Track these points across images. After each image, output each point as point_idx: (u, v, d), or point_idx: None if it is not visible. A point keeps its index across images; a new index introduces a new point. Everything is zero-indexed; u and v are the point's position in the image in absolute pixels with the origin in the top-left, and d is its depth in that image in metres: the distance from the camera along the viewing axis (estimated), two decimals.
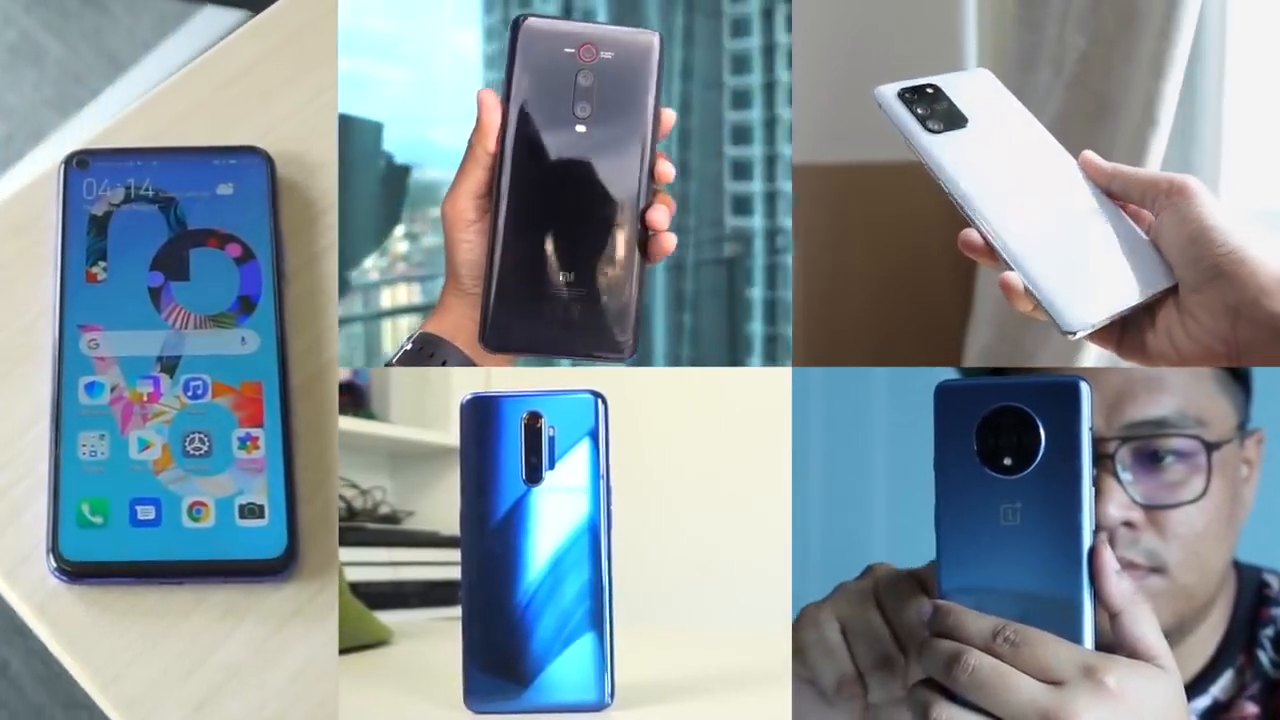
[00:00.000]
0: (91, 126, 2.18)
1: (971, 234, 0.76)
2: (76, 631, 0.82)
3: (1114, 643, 0.64)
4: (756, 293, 2.55)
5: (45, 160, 1.85)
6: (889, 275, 1.92)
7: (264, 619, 0.84)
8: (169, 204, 0.92)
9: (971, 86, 0.81)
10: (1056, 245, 0.76)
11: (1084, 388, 0.65)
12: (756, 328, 2.57)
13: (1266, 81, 1.73)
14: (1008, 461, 0.66)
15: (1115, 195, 0.79)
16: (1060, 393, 0.65)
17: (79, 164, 0.93)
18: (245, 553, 0.83)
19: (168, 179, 0.93)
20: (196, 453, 0.85)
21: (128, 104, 2.26)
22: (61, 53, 2.39)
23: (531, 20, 0.83)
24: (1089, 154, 0.79)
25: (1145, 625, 0.64)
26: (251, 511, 0.84)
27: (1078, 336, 0.74)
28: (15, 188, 0.95)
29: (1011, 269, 0.75)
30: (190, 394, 0.87)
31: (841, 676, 0.70)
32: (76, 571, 0.82)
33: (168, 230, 0.91)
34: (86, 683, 0.82)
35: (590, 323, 0.82)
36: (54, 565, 0.82)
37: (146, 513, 0.83)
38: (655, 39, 0.83)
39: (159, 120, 0.99)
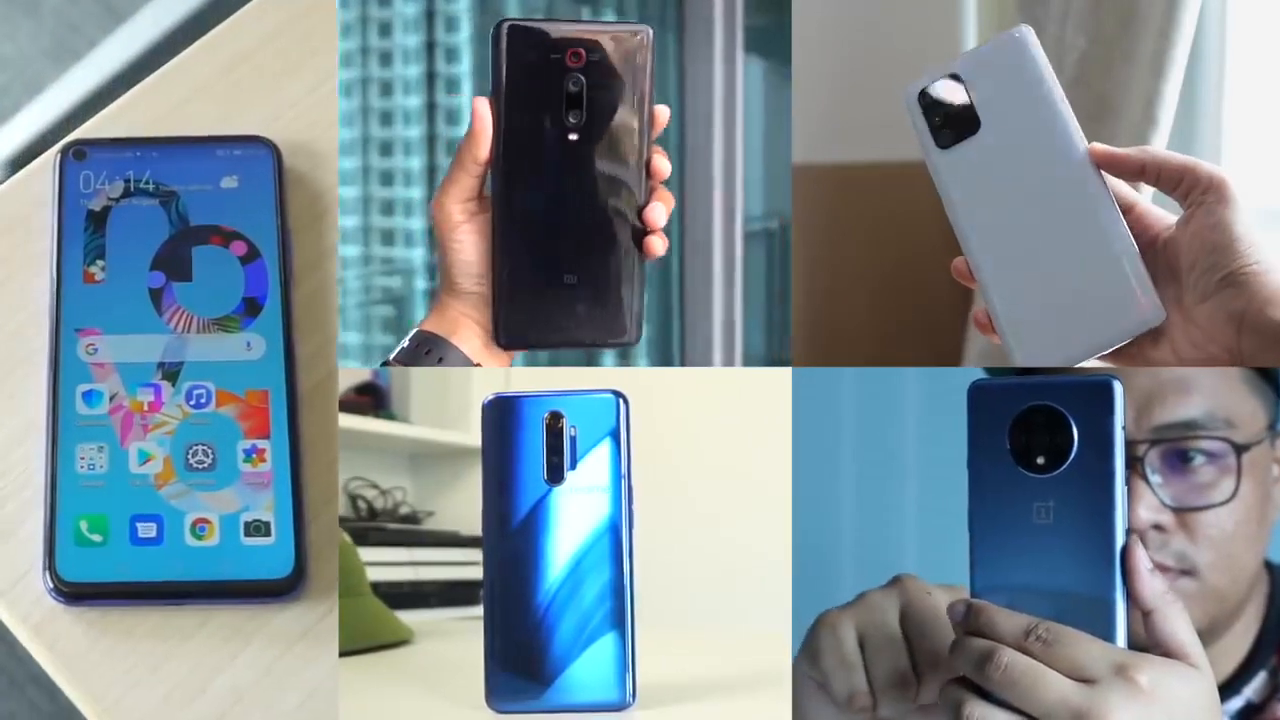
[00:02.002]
0: (89, 78, 2.15)
1: (962, 263, 0.76)
2: (75, 655, 0.77)
3: (1147, 641, 0.63)
4: None
5: (42, 114, 1.77)
6: (889, 275, 1.92)
7: (271, 641, 0.78)
8: (170, 198, 0.85)
9: (999, 66, 0.76)
10: (1037, 284, 0.74)
11: (1117, 386, 0.64)
12: None
13: (1266, 81, 1.75)
14: (1040, 460, 0.64)
15: (1147, 184, 0.75)
16: (1093, 392, 0.64)
17: (75, 155, 0.86)
18: (251, 573, 0.77)
19: (169, 171, 0.86)
20: (200, 466, 0.79)
21: (127, 55, 2.20)
22: (58, 1, 2.30)
23: (513, 24, 0.79)
24: (1103, 150, 0.75)
25: (1178, 624, 0.63)
26: (257, 529, 0.78)
27: None
28: (7, 181, 0.89)
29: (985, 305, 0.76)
30: (193, 403, 0.81)
31: (854, 690, 0.69)
32: (74, 592, 0.76)
33: (169, 226, 0.85)
34: (86, 708, 0.76)
35: (595, 316, 0.82)
36: (50, 585, 0.77)
37: (148, 530, 0.78)
38: (644, 36, 0.80)
39: (159, 106, 0.92)
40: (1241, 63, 1.73)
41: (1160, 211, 0.75)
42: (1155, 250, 0.74)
